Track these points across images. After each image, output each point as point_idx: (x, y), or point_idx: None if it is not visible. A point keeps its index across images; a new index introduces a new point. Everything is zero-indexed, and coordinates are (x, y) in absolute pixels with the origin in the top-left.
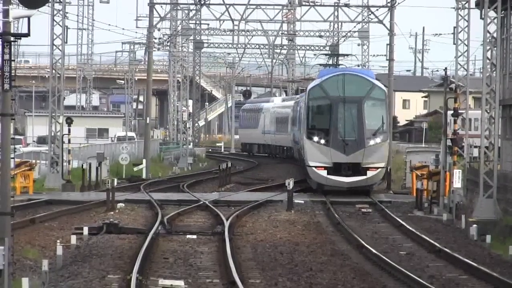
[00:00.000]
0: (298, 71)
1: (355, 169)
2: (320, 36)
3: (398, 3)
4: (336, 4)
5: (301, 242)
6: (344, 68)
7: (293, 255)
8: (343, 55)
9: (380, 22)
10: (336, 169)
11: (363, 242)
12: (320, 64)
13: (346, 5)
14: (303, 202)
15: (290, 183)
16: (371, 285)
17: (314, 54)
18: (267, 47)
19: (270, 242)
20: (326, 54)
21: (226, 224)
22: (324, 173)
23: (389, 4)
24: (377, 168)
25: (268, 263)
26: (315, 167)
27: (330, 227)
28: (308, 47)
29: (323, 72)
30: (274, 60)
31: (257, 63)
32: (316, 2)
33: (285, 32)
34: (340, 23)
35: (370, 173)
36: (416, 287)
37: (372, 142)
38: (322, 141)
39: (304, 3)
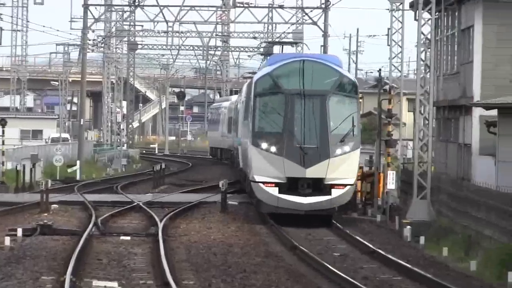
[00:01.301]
0: (232, 72)
1: (317, 186)
2: (255, 38)
3: (332, 5)
4: (270, 5)
5: (235, 243)
6: (302, 54)
7: (227, 257)
8: (291, 43)
9: (314, 23)
10: (291, 186)
11: (296, 244)
12: (249, 72)
13: (281, 7)
14: (237, 203)
15: (223, 184)
16: (305, 287)
17: (248, 56)
18: (201, 48)
19: (204, 243)
20: (269, 42)
21: (160, 225)
22: (274, 191)
23: (323, 6)
24: (345, 185)
25: (202, 265)
26: (263, 183)
27: (264, 229)
28: (242, 49)
29: (275, 58)
30: (208, 62)
31: (191, 65)
32: (250, 3)
33: (219, 34)
34: (274, 25)
35: (336, 192)
36: None
37: (339, 151)
38: (273, 149)
39: (238, 5)
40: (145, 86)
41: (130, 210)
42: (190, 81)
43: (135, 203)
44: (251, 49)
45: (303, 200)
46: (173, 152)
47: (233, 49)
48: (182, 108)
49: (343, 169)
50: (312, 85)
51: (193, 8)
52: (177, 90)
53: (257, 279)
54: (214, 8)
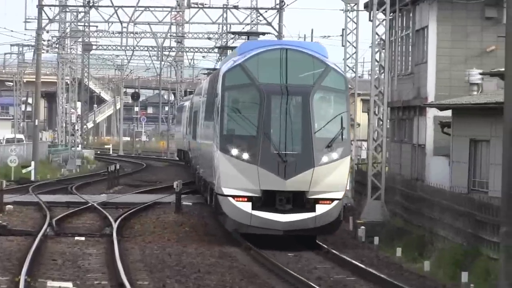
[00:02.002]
0: (186, 73)
1: (298, 201)
2: (209, 38)
3: (287, 5)
4: (225, 6)
5: (189, 244)
6: (280, 41)
7: (181, 257)
8: (261, 33)
9: (269, 24)
10: (267, 201)
11: (250, 245)
12: (207, 69)
13: (235, 7)
14: (191, 204)
15: (178, 185)
16: (259, 287)
17: (203, 56)
18: (155, 49)
19: (158, 243)
20: (235, 33)
21: (115, 226)
22: (247, 207)
23: (277, 7)
24: (332, 200)
25: (156, 265)
26: (233, 197)
27: (218, 229)
28: (196, 49)
29: (247, 45)
30: (163, 62)
31: (145, 65)
32: (205, 4)
33: (174, 34)
34: (229, 25)
35: (321, 208)
36: None
37: (325, 159)
38: (245, 156)
39: (192, 5)
40: (99, 87)
41: (85, 211)
42: (145, 82)
43: (90, 204)
44: (205, 50)
45: (281, 218)
46: (128, 153)
47: (187, 49)
48: (136, 109)
49: (330, 180)
50: (293, 78)
51: (147, 9)
52: (131, 90)
53: (211, 279)
54: (169, 9)
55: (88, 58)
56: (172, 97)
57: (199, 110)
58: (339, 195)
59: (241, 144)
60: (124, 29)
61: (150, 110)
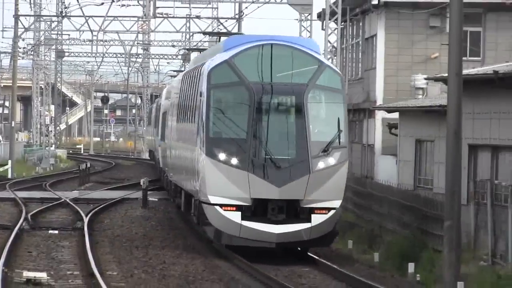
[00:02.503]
0: (152, 78)
1: (292, 210)
2: (173, 46)
3: (246, 15)
4: (187, 16)
5: (155, 237)
6: (268, 36)
7: (148, 249)
8: (230, 33)
9: (229, 32)
10: (258, 210)
11: (211, 237)
12: (175, 70)
13: (197, 17)
14: (157, 199)
15: (144, 182)
16: (220, 277)
17: (168, 63)
18: (123, 55)
19: (127, 237)
20: (206, 33)
21: (86, 220)
22: (236, 217)
23: (237, 16)
24: (329, 209)
25: (124, 257)
26: (220, 206)
27: (182, 223)
28: (161, 56)
29: (232, 41)
30: (130, 68)
31: (114, 71)
32: (169, 14)
33: (141, 42)
34: (191, 34)
35: (317, 218)
36: (261, 278)
37: (321, 165)
38: (234, 161)
39: (158, 15)
40: (71, 91)
41: (58, 206)
42: (113, 86)
43: (63, 200)
44: (169, 56)
45: (273, 229)
46: (98, 152)
47: (153, 56)
48: (106, 111)
49: (326, 187)
50: (285, 76)
51: (116, 19)
52: (101, 94)
53: (175, 270)
54: (136, 19)
55: (61, 64)
56: (139, 101)
57: (169, 111)
58: (336, 203)
59: (230, 148)
60: (94, 37)
61: (118, 112)
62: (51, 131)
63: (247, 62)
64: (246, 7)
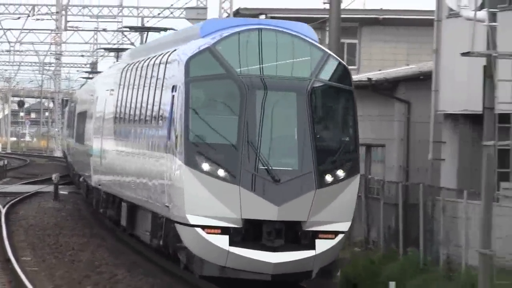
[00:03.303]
0: (64, 84)
1: (292, 234)
2: (82, 56)
3: (148, 29)
4: (95, 29)
5: (65, 226)
6: (253, 20)
7: (59, 237)
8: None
9: (132, 44)
10: (250, 234)
11: (115, 227)
12: (88, 71)
13: (104, 30)
14: (67, 193)
15: (56, 177)
16: (123, 261)
17: (77, 70)
18: (38, 64)
19: (40, 226)
20: (131, 27)
21: (3, 211)
22: (222, 241)
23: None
24: (336, 233)
25: (37, 244)
26: (203, 227)
27: (89, 214)
28: (72, 65)
29: (213, 23)
30: (44, 75)
31: (29, 78)
32: (79, 27)
33: (53, 52)
34: (98, 45)
35: (322, 245)
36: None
37: (329, 178)
38: (222, 173)
39: (68, 29)
40: None
41: None
42: (29, 92)
43: None
44: (79, 65)
45: (270, 258)
46: (14, 151)
47: (64, 65)
48: (22, 114)
49: (334, 207)
50: (283, 68)
51: (31, 31)
52: (17, 99)
53: (83, 255)
54: (49, 31)
55: None
56: (51, 105)
57: (94, 112)
58: (345, 226)
59: (216, 157)
60: (12, 48)
61: (33, 115)
62: None
63: (234, 50)
64: (148, 21)
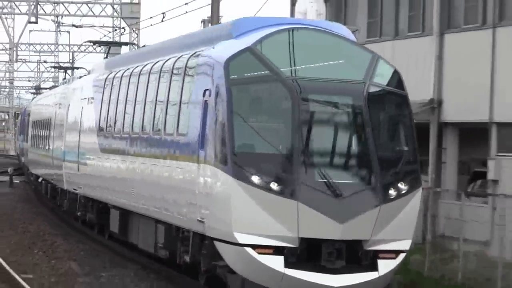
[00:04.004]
0: (15, 101)
1: (351, 255)
2: (29, 81)
3: (76, 60)
4: (38, 61)
5: (18, 206)
6: (288, 18)
7: (13, 214)
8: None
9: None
10: (307, 254)
11: (53, 206)
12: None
13: (45, 61)
14: (19, 181)
15: (10, 170)
16: (61, 232)
17: (25, 92)
18: None
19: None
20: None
21: None
22: (276, 262)
23: (71, 61)
24: (397, 252)
25: None
26: (253, 247)
27: (35, 198)
28: (21, 87)
29: (246, 23)
30: (0, 95)
31: None
32: (26, 59)
33: (7, 78)
34: (44, 70)
35: (384, 265)
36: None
37: (393, 192)
38: (276, 186)
39: (19, 60)
40: None
41: None
42: None
43: None
44: (27, 88)
45: (331, 281)
46: None
47: (15, 87)
48: None
49: (396, 223)
50: (333, 71)
51: None
52: None
53: (32, 227)
54: (4, 62)
55: None
56: (7, 117)
57: (53, 120)
58: (406, 244)
59: (267, 168)
60: None
61: None
62: None
63: (277, 51)
64: (77, 54)
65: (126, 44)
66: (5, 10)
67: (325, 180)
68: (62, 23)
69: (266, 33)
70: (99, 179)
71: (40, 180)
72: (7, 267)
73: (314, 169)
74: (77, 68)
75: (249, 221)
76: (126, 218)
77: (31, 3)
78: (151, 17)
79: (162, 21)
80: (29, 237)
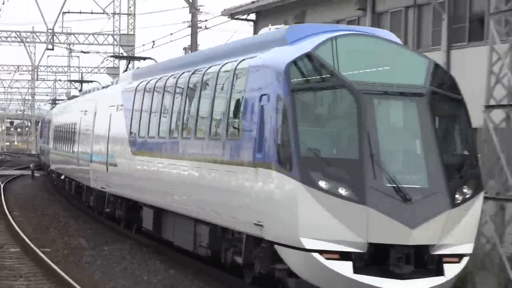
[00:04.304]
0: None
1: (419, 259)
2: (47, 95)
3: (57, 102)
4: (54, 80)
5: (38, 194)
6: (337, 26)
7: (35, 200)
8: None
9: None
10: (374, 259)
11: (66, 196)
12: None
13: (60, 80)
14: (39, 175)
15: (32, 166)
16: (72, 215)
17: (44, 104)
18: (21, 100)
19: (24, 194)
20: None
21: (2, 185)
22: (345, 268)
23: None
24: (461, 256)
25: (22, 204)
26: (321, 252)
27: (52, 188)
28: (41, 100)
29: (299, 30)
30: (25, 106)
31: (16, 108)
32: (45, 78)
33: (30, 93)
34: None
35: (450, 270)
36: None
37: (459, 196)
38: (344, 191)
39: (38, 79)
40: None
41: None
42: (16, 116)
43: None
44: (46, 101)
45: (400, 286)
46: (7, 151)
47: (36, 100)
48: (12, 129)
49: (460, 227)
50: (395, 75)
51: (18, 81)
52: (9, 120)
53: (49, 210)
54: (27, 80)
55: None
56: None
57: (77, 125)
58: (470, 248)
59: (334, 172)
60: (6, 91)
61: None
62: None
63: (336, 56)
64: (84, 74)
65: (144, 58)
66: (28, 40)
67: (394, 185)
68: (73, 50)
69: (324, 39)
70: (130, 179)
71: (62, 177)
72: (30, 243)
73: (382, 173)
74: (92, 81)
75: (316, 226)
76: (160, 216)
77: (49, 34)
78: (143, 45)
79: (152, 47)
80: (47, 219)
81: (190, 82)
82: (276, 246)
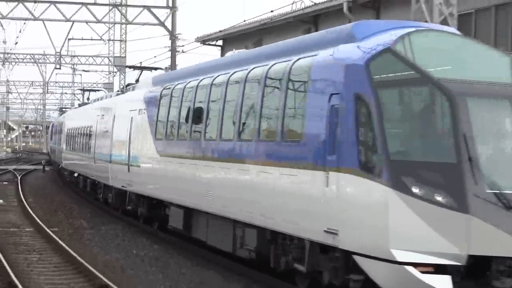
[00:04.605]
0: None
1: None
2: (55, 105)
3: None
4: (60, 93)
5: (48, 184)
6: (408, 22)
7: (45, 189)
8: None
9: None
10: (474, 272)
11: (69, 184)
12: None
13: (65, 93)
14: (49, 169)
15: (44, 162)
16: (76, 201)
17: (53, 112)
18: (34, 109)
19: (36, 184)
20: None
21: (19, 178)
22: (443, 283)
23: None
24: None
25: (35, 193)
26: (415, 265)
27: (60, 179)
28: (51, 109)
29: (367, 25)
30: (37, 114)
31: (31, 115)
32: (53, 92)
33: (41, 103)
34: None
35: None
36: (93, 205)
37: None
38: (441, 198)
39: (48, 92)
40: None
41: (7, 172)
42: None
43: (9, 169)
44: (53, 111)
45: None
46: (23, 150)
47: (47, 110)
48: (27, 132)
49: None
50: (482, 73)
51: (32, 93)
52: (25, 125)
53: (57, 198)
54: (39, 93)
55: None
56: (41, 128)
57: (93, 128)
58: None
59: (428, 178)
60: (22, 102)
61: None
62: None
63: (417, 52)
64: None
65: (155, 69)
66: (40, 61)
67: (496, 191)
68: (76, 69)
69: (400, 35)
70: (155, 179)
71: (76, 175)
72: (41, 224)
73: (482, 179)
74: (99, 90)
75: (409, 236)
76: (190, 216)
77: (57, 56)
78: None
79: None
80: (55, 204)
81: (229, 84)
82: (355, 257)
